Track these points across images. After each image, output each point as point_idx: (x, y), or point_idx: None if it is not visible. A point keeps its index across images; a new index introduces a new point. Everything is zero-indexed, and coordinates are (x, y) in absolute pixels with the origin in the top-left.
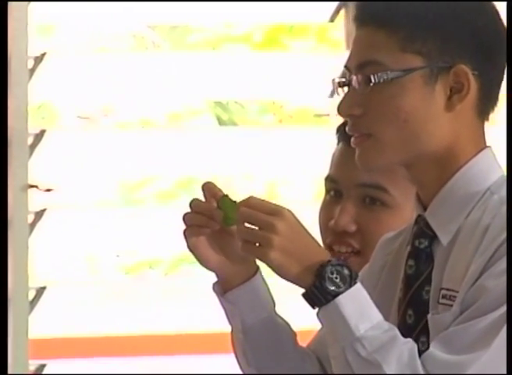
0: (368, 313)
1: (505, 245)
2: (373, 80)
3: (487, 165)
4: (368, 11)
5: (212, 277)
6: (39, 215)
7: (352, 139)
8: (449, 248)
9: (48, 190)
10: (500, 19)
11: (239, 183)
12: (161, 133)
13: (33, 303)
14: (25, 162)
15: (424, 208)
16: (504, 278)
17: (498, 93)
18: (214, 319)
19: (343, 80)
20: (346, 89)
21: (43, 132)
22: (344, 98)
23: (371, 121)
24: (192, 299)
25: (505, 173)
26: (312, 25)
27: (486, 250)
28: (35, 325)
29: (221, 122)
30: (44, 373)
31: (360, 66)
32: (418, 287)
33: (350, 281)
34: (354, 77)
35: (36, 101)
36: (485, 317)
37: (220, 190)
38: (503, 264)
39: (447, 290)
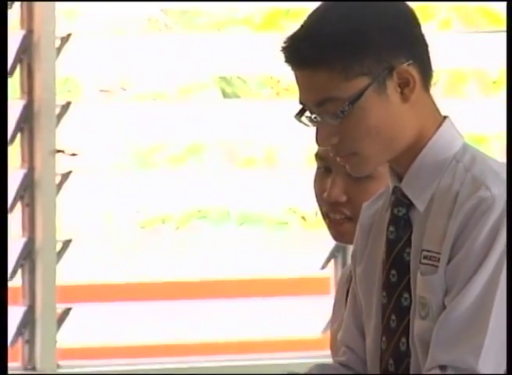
0: None
1: (475, 215)
2: (337, 117)
3: (449, 135)
4: (297, 57)
5: (219, 231)
6: (65, 176)
7: (338, 158)
8: (426, 214)
9: (74, 154)
10: (403, 3)
11: (241, 148)
12: (173, 105)
13: (60, 254)
14: (53, 130)
15: (399, 180)
16: (480, 246)
17: (430, 62)
18: (217, 267)
19: (304, 112)
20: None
21: (69, 103)
22: (318, 132)
23: (350, 144)
24: (199, 250)
25: (465, 140)
26: (306, 9)
27: (457, 215)
28: (62, 273)
29: (225, 95)
30: (70, 315)
31: (318, 104)
32: (400, 249)
33: None
34: (317, 115)
35: (62, 75)
36: (470, 289)
37: None
38: (476, 238)
39: (428, 251)
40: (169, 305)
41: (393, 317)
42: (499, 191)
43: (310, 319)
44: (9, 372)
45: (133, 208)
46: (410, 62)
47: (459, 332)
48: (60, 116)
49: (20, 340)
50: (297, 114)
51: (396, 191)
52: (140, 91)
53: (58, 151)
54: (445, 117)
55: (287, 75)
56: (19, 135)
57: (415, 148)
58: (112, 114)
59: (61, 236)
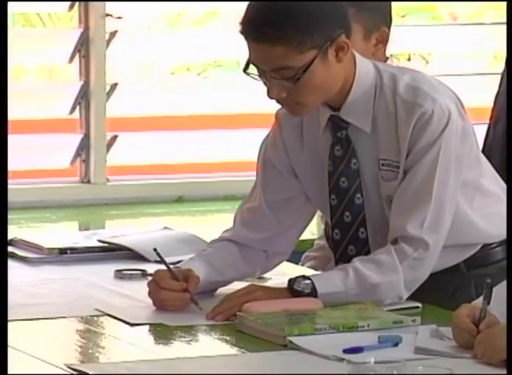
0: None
1: (417, 130)
2: (291, 81)
3: (363, 67)
4: (257, 34)
5: (230, 76)
6: (112, 35)
7: (282, 105)
8: (374, 133)
9: (119, 17)
10: None
11: None
12: None
13: (108, 94)
14: None
15: (332, 110)
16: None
17: (350, 22)
18: (228, 104)
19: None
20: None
21: None
22: (270, 89)
23: (296, 98)
24: (215, 91)
25: (373, 62)
26: None
27: (404, 133)
28: (110, 109)
29: None
30: (116, 141)
31: (273, 70)
32: (347, 161)
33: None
34: (272, 78)
35: None
36: (412, 177)
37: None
38: (420, 145)
39: (384, 160)
40: (192, 133)
41: (347, 214)
42: (430, 103)
43: None
44: (69, 184)
45: (164, 58)
46: (343, 30)
47: (406, 208)
48: None
49: (78, 160)
50: (244, 69)
51: (334, 119)
52: None
53: (107, 15)
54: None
55: None
56: (77, 3)
57: (343, 88)
58: None
59: (109, 80)
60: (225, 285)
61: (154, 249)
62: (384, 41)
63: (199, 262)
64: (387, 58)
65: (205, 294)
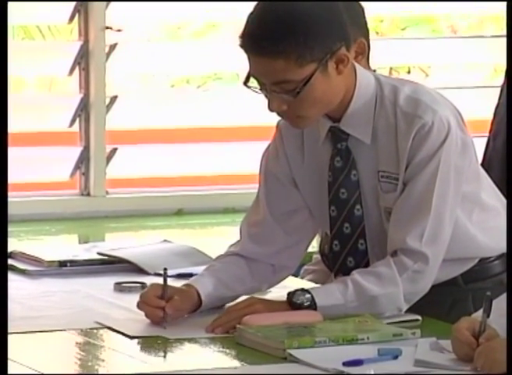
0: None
1: (417, 141)
2: (292, 94)
3: (364, 78)
4: (257, 49)
5: (230, 89)
6: (112, 47)
7: (284, 117)
8: (374, 144)
9: (119, 30)
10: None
11: None
12: None
13: (108, 107)
14: (103, 11)
15: (332, 121)
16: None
17: (349, 35)
18: (228, 116)
19: (256, 85)
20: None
21: None
22: (270, 102)
23: (297, 111)
24: (215, 104)
25: (374, 74)
26: None
27: (404, 145)
28: (109, 121)
29: None
30: (116, 154)
31: (274, 84)
32: (347, 172)
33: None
34: (273, 92)
35: None
36: (411, 190)
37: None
38: (419, 157)
39: (384, 171)
40: (192, 146)
41: (347, 225)
42: (430, 115)
43: None
44: (68, 197)
45: (164, 71)
46: (343, 43)
47: (405, 221)
48: (108, 0)
49: (78, 173)
50: (244, 82)
51: (334, 130)
52: None
53: (107, 27)
54: (352, 64)
55: None
56: (77, 15)
57: (344, 99)
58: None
59: (109, 92)
60: (233, 300)
61: (164, 269)
62: (363, 52)
63: (208, 277)
64: (374, 70)
65: (196, 313)
